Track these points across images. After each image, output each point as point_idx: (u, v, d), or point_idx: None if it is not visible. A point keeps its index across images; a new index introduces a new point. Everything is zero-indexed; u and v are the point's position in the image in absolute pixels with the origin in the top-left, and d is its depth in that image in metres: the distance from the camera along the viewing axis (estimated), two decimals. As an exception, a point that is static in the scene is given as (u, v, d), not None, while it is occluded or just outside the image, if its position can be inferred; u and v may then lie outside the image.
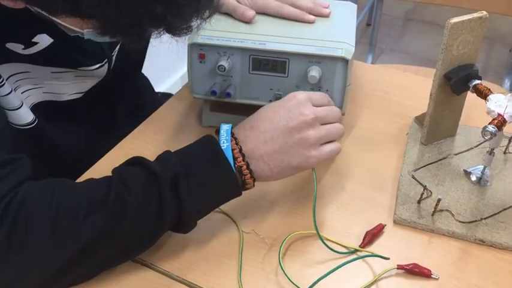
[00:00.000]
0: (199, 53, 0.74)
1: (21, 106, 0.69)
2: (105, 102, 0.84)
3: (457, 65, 0.70)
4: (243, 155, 0.60)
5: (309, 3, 0.82)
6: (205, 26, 0.76)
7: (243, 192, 0.61)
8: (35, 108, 0.72)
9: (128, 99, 0.92)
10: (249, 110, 0.79)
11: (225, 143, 0.60)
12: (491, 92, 0.67)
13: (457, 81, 0.70)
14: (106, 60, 0.75)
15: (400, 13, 2.96)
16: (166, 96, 1.06)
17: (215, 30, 0.75)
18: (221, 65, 0.73)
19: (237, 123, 0.81)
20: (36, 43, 0.65)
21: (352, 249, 0.63)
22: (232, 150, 0.60)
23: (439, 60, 0.70)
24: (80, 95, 0.77)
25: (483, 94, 0.67)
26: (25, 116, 0.70)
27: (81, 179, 0.71)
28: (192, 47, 0.74)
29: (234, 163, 0.59)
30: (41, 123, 0.72)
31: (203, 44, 0.73)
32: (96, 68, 0.73)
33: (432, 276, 0.60)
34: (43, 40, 0.65)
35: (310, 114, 0.62)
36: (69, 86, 0.74)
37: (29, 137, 0.72)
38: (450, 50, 0.69)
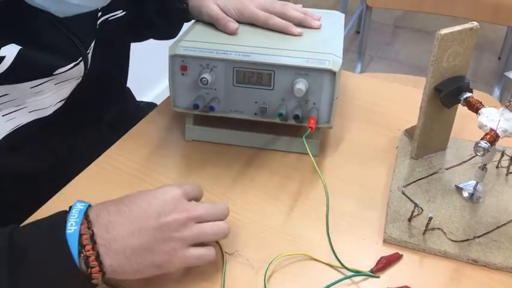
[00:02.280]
0: (181, 65, 0.71)
1: None
2: (87, 110, 0.80)
3: (448, 77, 0.68)
4: (94, 242, 0.50)
5: (299, 14, 0.79)
6: (188, 37, 0.74)
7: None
8: (18, 132, 0.68)
9: (111, 108, 0.89)
10: (234, 123, 0.77)
11: (72, 225, 0.50)
12: (483, 106, 0.65)
13: (448, 94, 0.67)
14: (81, 58, 0.70)
15: (390, 20, 2.96)
16: (150, 106, 1.03)
17: (198, 41, 0.73)
18: (204, 78, 0.70)
19: (221, 137, 0.79)
20: (3, 57, 0.60)
21: (368, 272, 0.60)
22: (81, 235, 0.50)
23: (428, 72, 0.68)
24: (63, 102, 0.73)
25: (474, 108, 0.65)
26: None
27: (51, 205, 0.68)
28: (173, 58, 0.71)
29: (81, 251, 0.49)
30: (7, 160, 0.68)
31: (185, 56, 0.71)
32: (72, 67, 0.69)
33: (424, 299, 0.58)
34: (10, 52, 0.60)
35: (184, 213, 0.54)
36: (52, 97, 0.70)
37: None
38: (440, 62, 0.66)
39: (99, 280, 0.51)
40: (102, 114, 0.87)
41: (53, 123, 0.72)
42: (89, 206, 0.54)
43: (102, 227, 0.51)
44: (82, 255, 0.49)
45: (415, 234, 0.64)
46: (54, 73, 0.67)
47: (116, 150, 0.77)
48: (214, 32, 0.77)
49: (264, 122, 0.75)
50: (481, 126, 0.63)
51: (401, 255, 0.62)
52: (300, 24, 0.79)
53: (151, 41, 0.99)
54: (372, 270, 0.60)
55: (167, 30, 0.93)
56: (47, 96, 0.69)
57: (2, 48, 0.59)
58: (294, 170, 0.75)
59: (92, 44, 0.74)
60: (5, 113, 0.66)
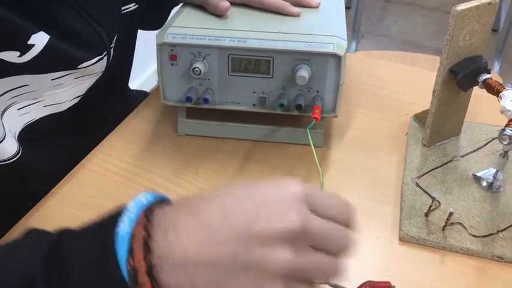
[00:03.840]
0: (170, 54, 0.65)
1: (4, 138, 0.58)
2: (98, 106, 0.74)
3: (463, 58, 0.62)
4: (148, 250, 0.34)
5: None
6: (176, 23, 0.67)
7: None
8: (27, 130, 0.62)
9: (118, 104, 0.83)
10: (230, 115, 0.71)
11: (125, 223, 0.35)
12: (504, 88, 0.59)
13: (465, 77, 0.62)
14: (105, 52, 0.66)
15: (380, -5, 2.89)
16: (141, 94, 0.97)
17: (187, 27, 0.66)
18: (196, 68, 0.63)
19: (217, 131, 0.73)
20: (32, 45, 0.55)
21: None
22: (133, 237, 0.35)
23: (443, 52, 0.62)
24: (78, 99, 0.68)
25: (495, 90, 0.60)
26: (8, 149, 0.59)
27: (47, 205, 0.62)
28: (161, 47, 0.64)
29: (128, 260, 0.34)
30: (25, 153, 0.61)
31: (174, 44, 0.64)
32: (95, 62, 0.64)
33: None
34: (39, 40, 0.56)
35: (298, 221, 0.35)
36: (69, 92, 0.65)
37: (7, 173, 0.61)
38: (456, 41, 0.60)
39: None
40: (108, 113, 0.80)
41: (66, 120, 0.67)
42: (162, 200, 0.39)
43: (162, 230, 0.35)
44: (129, 265, 0.34)
45: (434, 231, 0.59)
46: (78, 66, 0.62)
47: (103, 149, 0.71)
48: (205, 15, 0.70)
49: (263, 113, 0.69)
50: (503, 111, 0.57)
51: (394, 286, 0.51)
52: (298, 3, 0.73)
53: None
54: None
55: (154, 20, 0.86)
56: (65, 90, 0.64)
57: (33, 36, 0.54)
58: (298, 164, 0.69)
59: (115, 38, 0.69)
60: (20, 107, 0.61)
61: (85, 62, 0.63)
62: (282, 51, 0.63)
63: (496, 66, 1.46)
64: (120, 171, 0.68)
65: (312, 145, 0.59)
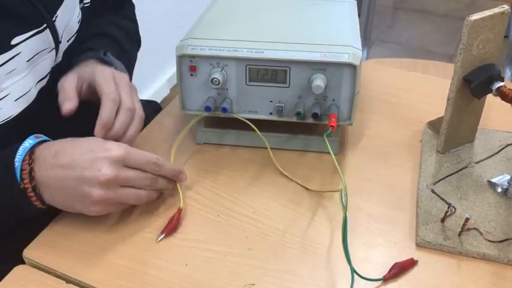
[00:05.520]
0: (189, 66, 0.67)
1: None
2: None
3: (477, 66, 0.64)
4: (31, 178, 0.57)
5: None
6: (195, 34, 0.69)
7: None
8: (9, 125, 0.63)
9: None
10: (246, 123, 0.72)
11: (17, 162, 0.56)
12: (518, 95, 0.60)
13: (479, 85, 0.63)
14: (45, 25, 0.64)
15: (389, 2, 2.90)
16: (151, 104, 0.98)
17: (206, 39, 0.68)
18: (215, 78, 0.65)
19: (234, 139, 0.74)
20: None
21: (380, 278, 0.56)
22: (22, 170, 0.56)
23: (457, 61, 0.63)
24: (44, 82, 0.66)
25: (509, 97, 0.61)
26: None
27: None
28: (181, 59, 0.66)
29: (20, 184, 0.56)
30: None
31: (193, 55, 0.66)
32: (33, 35, 0.62)
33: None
34: None
35: (107, 175, 0.56)
36: (29, 77, 0.63)
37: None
38: (470, 50, 0.62)
39: (39, 204, 0.58)
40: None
41: (43, 115, 0.67)
42: (39, 143, 0.59)
43: (37, 164, 0.57)
44: (21, 187, 0.56)
45: (450, 236, 0.60)
46: (12, 43, 0.60)
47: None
48: (223, 27, 0.72)
49: (279, 122, 0.70)
50: (517, 118, 0.58)
51: (417, 261, 0.58)
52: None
53: (145, 36, 0.93)
54: (384, 278, 0.56)
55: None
56: (22, 77, 0.63)
57: None
58: (314, 171, 0.70)
59: (58, 10, 0.66)
60: None
61: (17, 36, 0.60)
62: (298, 61, 0.65)
63: (507, 73, 1.47)
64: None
65: (331, 151, 0.60)
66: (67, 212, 0.61)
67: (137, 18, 0.91)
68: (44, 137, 0.60)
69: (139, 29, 0.90)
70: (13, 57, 0.61)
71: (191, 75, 0.67)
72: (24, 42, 0.62)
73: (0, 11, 0.59)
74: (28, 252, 0.59)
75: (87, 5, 0.78)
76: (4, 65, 0.60)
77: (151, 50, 0.87)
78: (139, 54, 0.87)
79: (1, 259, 0.58)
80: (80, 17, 0.74)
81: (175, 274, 0.56)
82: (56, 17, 0.66)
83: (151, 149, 0.74)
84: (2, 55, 0.60)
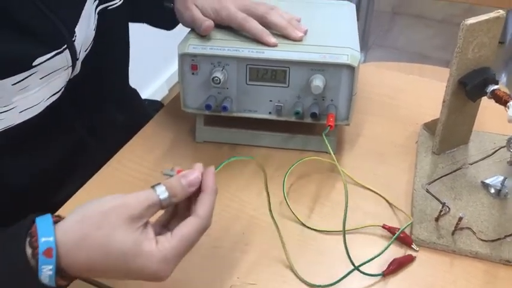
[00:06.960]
0: (191, 64, 0.68)
1: None
2: (93, 101, 0.74)
3: (472, 69, 0.65)
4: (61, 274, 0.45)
5: (282, 21, 0.70)
6: (197, 34, 0.70)
7: None
8: (10, 132, 0.62)
9: (121, 104, 0.83)
10: (246, 122, 0.73)
11: (49, 270, 0.44)
12: (511, 98, 0.62)
13: (473, 87, 0.64)
14: (65, 46, 0.64)
15: (387, 7, 2.92)
16: (154, 104, 1.00)
17: (208, 39, 0.69)
18: (216, 77, 0.66)
19: (234, 138, 0.75)
20: None
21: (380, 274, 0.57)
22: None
23: (452, 64, 0.64)
24: (56, 96, 0.66)
25: (502, 100, 0.62)
26: None
27: (67, 209, 0.65)
28: (183, 57, 0.68)
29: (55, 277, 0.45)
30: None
31: (195, 54, 0.67)
32: (53, 56, 0.61)
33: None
34: None
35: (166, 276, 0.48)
36: (41, 92, 0.63)
37: None
38: (465, 54, 0.63)
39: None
40: (101, 112, 0.81)
41: (48, 121, 0.66)
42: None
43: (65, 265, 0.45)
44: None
45: (444, 235, 0.61)
46: (33, 64, 0.59)
47: (125, 154, 0.74)
48: (224, 27, 0.73)
49: (278, 121, 0.72)
50: (511, 120, 0.60)
51: (415, 257, 0.60)
52: (281, 32, 0.70)
53: (146, 37, 0.94)
54: (383, 273, 0.57)
55: (161, 25, 0.88)
56: (34, 92, 0.62)
57: None
58: (312, 169, 0.72)
59: (77, 31, 0.66)
60: None
61: (39, 58, 0.59)
62: (298, 62, 0.66)
63: (503, 78, 1.48)
64: (141, 176, 0.70)
65: (330, 150, 0.61)
66: None
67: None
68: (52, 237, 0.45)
69: (138, 30, 0.91)
70: (29, 76, 0.60)
71: (192, 73, 0.68)
72: (44, 63, 0.61)
73: (23, 32, 0.58)
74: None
75: (115, 5, 0.75)
76: (19, 83, 0.59)
77: (151, 50, 0.88)
78: (140, 54, 0.88)
79: None
80: (95, 23, 0.71)
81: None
82: (75, 37, 0.65)
83: (154, 147, 0.75)
84: (20, 74, 0.59)
